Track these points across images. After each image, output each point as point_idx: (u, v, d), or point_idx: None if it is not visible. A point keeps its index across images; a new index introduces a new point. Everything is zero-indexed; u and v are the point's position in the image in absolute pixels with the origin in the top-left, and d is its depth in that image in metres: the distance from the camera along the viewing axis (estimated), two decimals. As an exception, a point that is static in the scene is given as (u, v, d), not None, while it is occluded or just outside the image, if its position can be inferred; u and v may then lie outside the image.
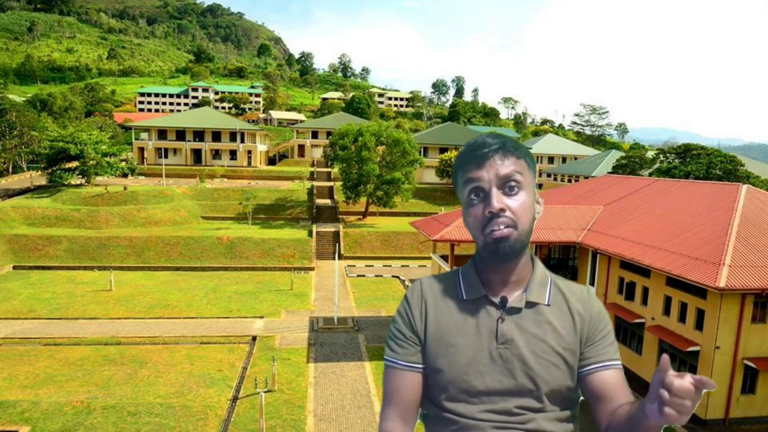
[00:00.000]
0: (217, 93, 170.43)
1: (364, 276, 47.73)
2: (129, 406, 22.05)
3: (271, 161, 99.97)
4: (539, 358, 1.70)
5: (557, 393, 1.72)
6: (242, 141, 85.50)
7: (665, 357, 1.27)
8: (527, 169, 1.70)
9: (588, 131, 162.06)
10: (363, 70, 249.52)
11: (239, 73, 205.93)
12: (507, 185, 1.65)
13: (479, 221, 1.66)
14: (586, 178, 64.73)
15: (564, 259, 34.11)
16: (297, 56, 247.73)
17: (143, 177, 75.61)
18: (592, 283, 30.30)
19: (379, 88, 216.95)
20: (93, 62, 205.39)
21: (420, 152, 73.80)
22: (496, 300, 1.75)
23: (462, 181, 1.72)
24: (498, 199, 1.63)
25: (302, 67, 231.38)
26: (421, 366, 1.78)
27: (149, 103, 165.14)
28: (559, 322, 1.75)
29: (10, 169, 76.47)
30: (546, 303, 1.76)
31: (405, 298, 1.86)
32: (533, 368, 1.70)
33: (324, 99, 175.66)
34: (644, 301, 26.44)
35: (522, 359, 1.70)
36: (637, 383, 26.21)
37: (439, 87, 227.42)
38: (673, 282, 24.07)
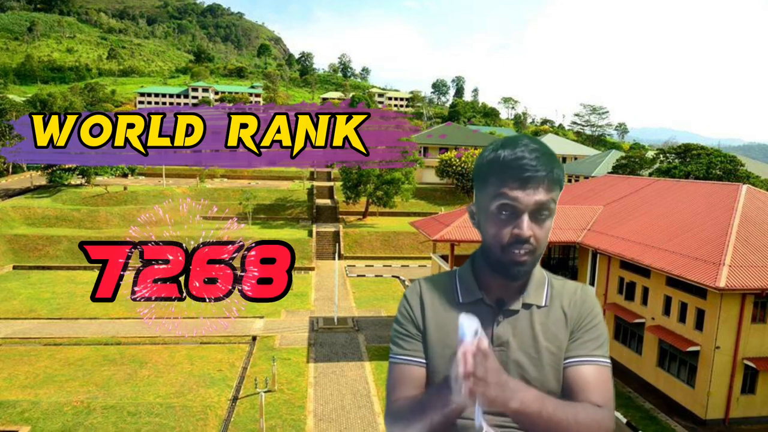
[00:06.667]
0: (217, 93, 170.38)
1: (364, 276, 47.72)
2: (129, 406, 22.07)
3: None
4: (534, 360, 1.71)
5: (553, 394, 1.71)
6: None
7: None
8: (558, 195, 1.69)
9: (588, 131, 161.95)
10: (363, 70, 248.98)
11: (239, 73, 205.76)
12: (539, 211, 1.64)
13: (502, 238, 1.65)
14: (586, 178, 64.71)
15: (564, 259, 34.13)
16: (297, 56, 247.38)
17: (143, 177, 75.60)
18: (592, 283, 30.28)
19: (379, 88, 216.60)
20: (93, 62, 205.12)
21: (420, 152, 73.80)
22: (493, 302, 1.76)
23: (493, 190, 1.64)
24: (528, 226, 1.62)
25: (302, 67, 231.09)
26: (425, 362, 1.79)
27: (149, 103, 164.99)
28: (553, 322, 1.76)
29: (10, 169, 76.43)
30: (543, 304, 1.77)
31: (405, 297, 1.87)
32: (528, 370, 1.71)
33: (324, 99, 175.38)
34: (644, 301, 26.42)
35: (517, 362, 1.71)
36: (637, 383, 26.24)
37: (439, 87, 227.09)
38: (673, 282, 24.05)
